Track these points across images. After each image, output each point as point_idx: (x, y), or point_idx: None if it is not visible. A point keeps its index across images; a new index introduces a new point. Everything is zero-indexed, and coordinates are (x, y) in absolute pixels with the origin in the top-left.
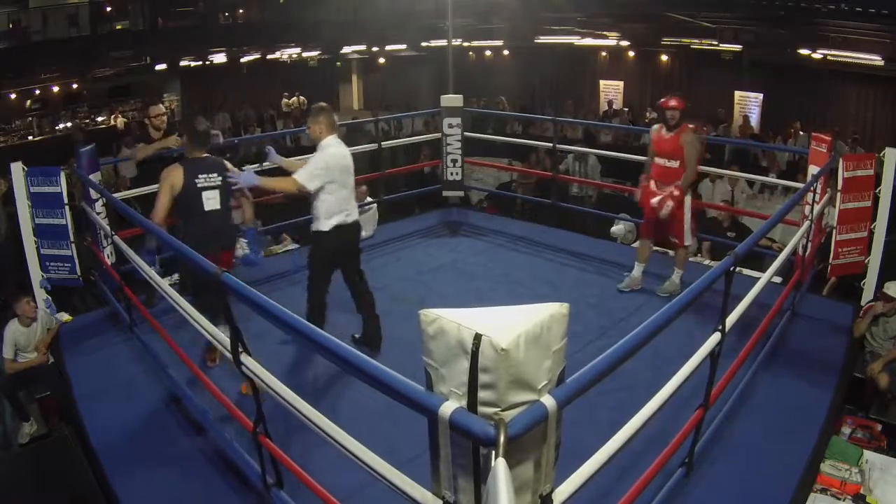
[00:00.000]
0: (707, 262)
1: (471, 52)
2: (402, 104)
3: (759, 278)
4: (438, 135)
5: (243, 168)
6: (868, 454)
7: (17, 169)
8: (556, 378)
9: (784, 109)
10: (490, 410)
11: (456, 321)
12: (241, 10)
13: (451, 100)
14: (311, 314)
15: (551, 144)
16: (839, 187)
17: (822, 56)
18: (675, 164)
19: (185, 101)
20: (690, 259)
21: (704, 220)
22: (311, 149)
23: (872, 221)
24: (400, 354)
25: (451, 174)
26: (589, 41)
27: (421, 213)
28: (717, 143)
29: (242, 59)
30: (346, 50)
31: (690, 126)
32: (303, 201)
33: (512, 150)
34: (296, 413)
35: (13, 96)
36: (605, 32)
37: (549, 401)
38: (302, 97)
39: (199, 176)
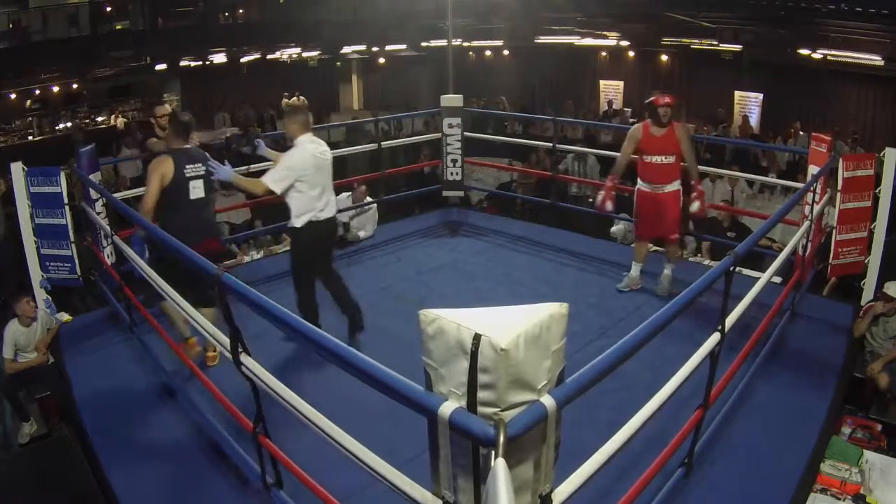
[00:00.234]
0: (707, 262)
1: (471, 52)
2: (402, 104)
3: (759, 278)
4: (438, 135)
5: (224, 162)
6: (868, 454)
7: (17, 169)
8: (556, 378)
9: (784, 109)
10: (490, 410)
11: (455, 321)
12: (241, 10)
13: (451, 100)
14: (302, 314)
15: (551, 144)
16: (839, 187)
17: (822, 56)
18: (671, 159)
19: (185, 101)
20: (690, 259)
21: (704, 220)
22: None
23: (872, 221)
24: (400, 354)
25: (451, 174)
26: (589, 41)
27: (421, 213)
28: (717, 143)
29: (242, 59)
30: (346, 50)
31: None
32: None
33: (512, 150)
34: (296, 413)
35: (13, 96)
36: (605, 32)
37: (548, 401)
38: (302, 97)
39: (187, 166)
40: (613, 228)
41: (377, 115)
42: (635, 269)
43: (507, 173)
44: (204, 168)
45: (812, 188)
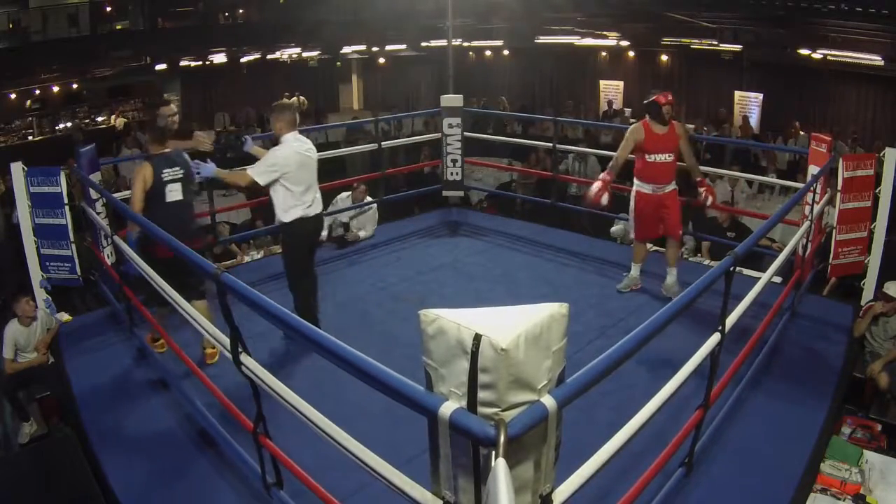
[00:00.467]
0: (707, 262)
1: (471, 52)
2: (402, 104)
3: (759, 278)
4: (438, 135)
5: (206, 160)
6: (868, 454)
7: (17, 169)
8: (556, 378)
9: (784, 109)
10: (490, 410)
11: (456, 321)
12: (241, 10)
13: (451, 100)
14: (300, 312)
15: (551, 144)
16: (839, 187)
17: (822, 56)
18: (672, 158)
19: (185, 101)
20: (690, 259)
21: (705, 220)
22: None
23: (872, 221)
24: (400, 354)
25: (451, 174)
26: (589, 41)
27: (421, 213)
28: (717, 143)
29: (242, 59)
30: (346, 50)
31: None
32: None
33: (512, 150)
34: (296, 413)
35: (13, 96)
36: (605, 32)
37: (549, 401)
38: (302, 97)
39: (165, 170)
40: (613, 228)
41: (377, 115)
42: (635, 270)
43: (507, 173)
44: (182, 171)
45: (812, 188)
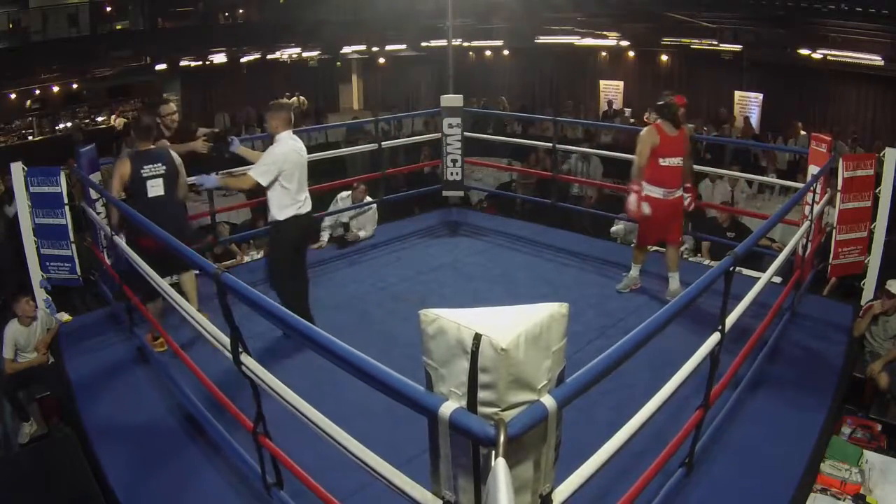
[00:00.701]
0: (707, 262)
1: (471, 52)
2: (402, 104)
3: (759, 278)
4: (438, 135)
5: (205, 173)
6: (868, 454)
7: (17, 169)
8: (556, 378)
9: (784, 109)
10: (490, 410)
11: (456, 321)
12: (241, 10)
13: (451, 100)
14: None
15: (551, 144)
16: (839, 187)
17: (822, 56)
18: (682, 161)
19: (185, 101)
20: (690, 259)
21: (705, 220)
22: (312, 149)
23: (872, 221)
24: (400, 354)
25: (451, 174)
26: (589, 41)
27: (421, 213)
28: (717, 143)
29: (242, 59)
30: (346, 50)
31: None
32: None
33: (512, 150)
34: (296, 413)
35: (13, 96)
36: (605, 32)
37: (549, 401)
38: (302, 97)
39: (145, 167)
40: (613, 228)
41: (377, 115)
42: (635, 270)
43: (507, 173)
44: (164, 168)
45: (812, 188)
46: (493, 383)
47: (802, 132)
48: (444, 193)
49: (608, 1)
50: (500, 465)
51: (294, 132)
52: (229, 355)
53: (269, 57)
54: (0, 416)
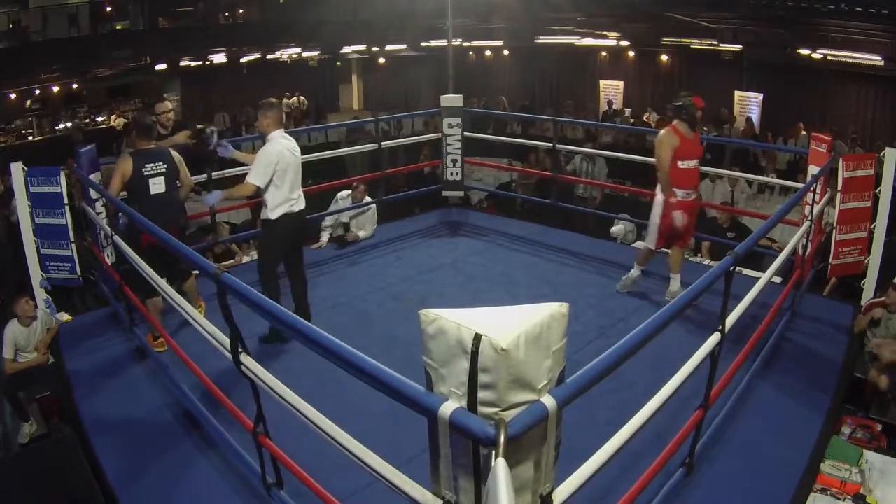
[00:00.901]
0: (707, 262)
1: (471, 52)
2: (402, 104)
3: (759, 278)
4: (438, 135)
5: (209, 190)
6: (868, 454)
7: (17, 169)
8: (556, 378)
9: (784, 109)
10: (490, 410)
11: (456, 321)
12: (241, 10)
13: (451, 100)
14: None
15: (551, 144)
16: (839, 187)
17: (822, 56)
18: (698, 163)
19: (185, 101)
20: (691, 259)
21: (705, 220)
22: (312, 148)
23: (872, 221)
24: (400, 354)
25: (451, 174)
26: (589, 41)
27: (421, 213)
28: (717, 143)
29: (242, 59)
30: (346, 50)
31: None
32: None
33: (512, 150)
34: (296, 413)
35: (13, 96)
36: (605, 32)
37: (549, 401)
38: (302, 97)
39: (147, 165)
40: (613, 228)
41: (377, 115)
42: (636, 272)
43: (507, 173)
44: (165, 166)
45: (812, 188)
46: (493, 383)
47: (803, 132)
48: (444, 193)
49: (608, 1)
50: (500, 465)
51: (295, 132)
52: (229, 355)
53: (269, 57)
54: (0, 416)
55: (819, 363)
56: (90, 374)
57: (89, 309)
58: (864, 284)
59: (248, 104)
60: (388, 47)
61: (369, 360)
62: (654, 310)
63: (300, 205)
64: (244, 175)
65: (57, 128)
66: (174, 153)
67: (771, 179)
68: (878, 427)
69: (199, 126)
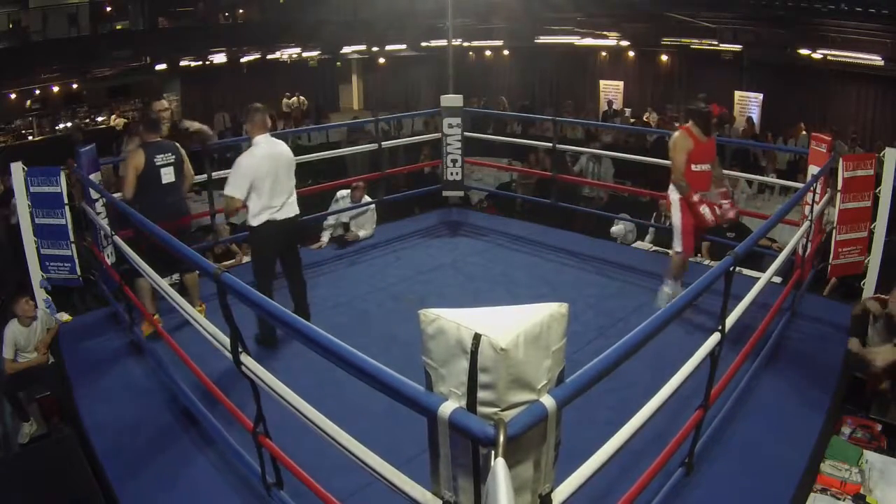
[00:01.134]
0: (707, 262)
1: (471, 52)
2: (402, 104)
3: (759, 278)
4: (438, 135)
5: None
6: (868, 454)
7: (17, 169)
8: (556, 378)
9: (784, 109)
10: (489, 410)
11: (455, 321)
12: (241, 10)
13: (451, 100)
14: (260, 321)
15: (551, 144)
16: (839, 187)
17: (822, 56)
18: (710, 166)
19: (185, 101)
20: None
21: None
22: (312, 148)
23: (872, 221)
24: (400, 354)
25: (451, 174)
26: (589, 41)
27: (421, 213)
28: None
29: (242, 59)
30: (346, 50)
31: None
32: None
33: (512, 150)
34: (296, 413)
35: (13, 96)
36: (605, 32)
37: (548, 401)
38: (302, 97)
39: (157, 156)
40: (613, 228)
41: (377, 115)
42: (676, 287)
43: (507, 173)
44: (173, 156)
45: (812, 188)
46: (493, 383)
47: (803, 132)
48: (444, 193)
49: (608, 1)
50: (499, 465)
51: (295, 132)
52: (229, 355)
53: (269, 57)
54: (0, 416)
55: (819, 363)
56: (90, 374)
57: (89, 309)
58: (864, 284)
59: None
60: (388, 47)
61: (369, 360)
62: (654, 310)
63: (286, 212)
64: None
65: (57, 128)
66: (180, 147)
67: (771, 179)
68: (878, 427)
69: (187, 128)
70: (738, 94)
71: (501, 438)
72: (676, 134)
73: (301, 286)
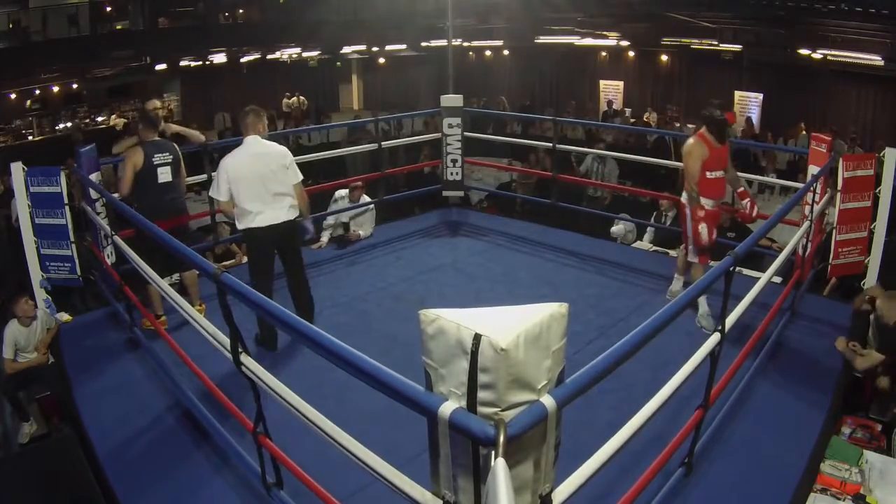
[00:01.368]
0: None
1: (471, 52)
2: (402, 104)
3: (759, 278)
4: (438, 135)
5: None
6: (868, 454)
7: (17, 169)
8: (556, 378)
9: (784, 109)
10: (490, 410)
11: (455, 321)
12: (241, 10)
13: (451, 100)
14: (259, 324)
15: (551, 144)
16: (839, 187)
17: (822, 56)
18: (724, 173)
19: (185, 101)
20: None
21: None
22: (312, 148)
23: (872, 221)
24: (400, 354)
25: (451, 174)
26: (589, 41)
27: (421, 213)
28: None
29: (242, 59)
30: (346, 50)
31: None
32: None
33: (512, 150)
34: (296, 413)
35: (13, 96)
36: (605, 32)
37: (548, 401)
38: (302, 97)
39: (156, 155)
40: (613, 228)
41: (377, 115)
42: (703, 306)
43: (507, 173)
44: (171, 156)
45: (812, 188)
46: (493, 383)
47: (803, 132)
48: (444, 193)
49: (608, 1)
50: (499, 465)
51: (295, 132)
52: (229, 356)
53: (269, 57)
54: (0, 416)
55: (819, 363)
56: (90, 374)
57: (89, 309)
58: (864, 284)
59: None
60: (388, 47)
61: (369, 360)
62: (655, 309)
63: (269, 217)
64: None
65: (57, 128)
66: (177, 148)
67: (771, 179)
68: (878, 427)
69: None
70: (738, 94)
71: (501, 438)
72: (691, 141)
73: (301, 288)
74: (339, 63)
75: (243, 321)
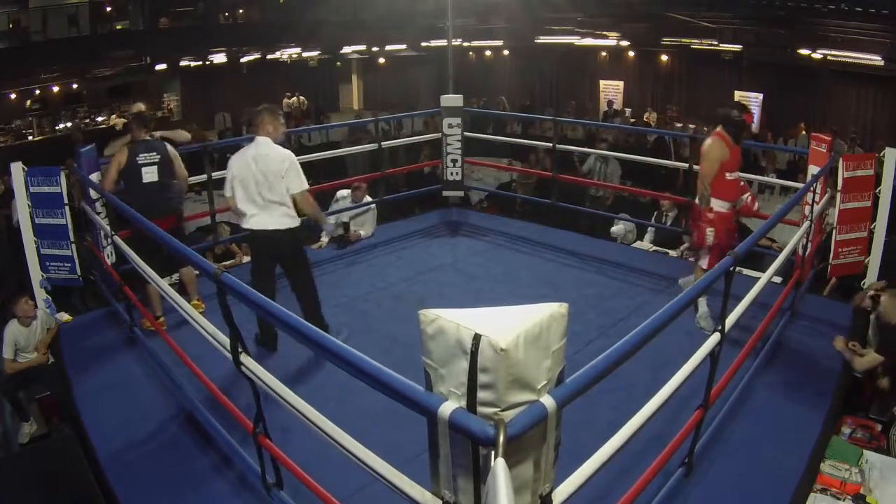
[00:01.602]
0: None
1: (471, 52)
2: (402, 104)
3: (759, 278)
4: (438, 135)
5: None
6: (868, 454)
7: (17, 169)
8: (556, 378)
9: (784, 109)
10: (489, 410)
11: (455, 321)
12: (241, 10)
13: (451, 100)
14: (259, 324)
15: (551, 144)
16: (839, 187)
17: (822, 56)
18: (737, 174)
19: (185, 101)
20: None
21: None
22: (312, 148)
23: (872, 221)
24: (400, 354)
25: (451, 174)
26: (589, 41)
27: (421, 213)
28: None
29: (242, 59)
30: (346, 50)
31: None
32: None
33: (512, 150)
34: (296, 413)
35: (13, 96)
36: (605, 32)
37: (548, 401)
38: (302, 97)
39: (141, 154)
40: (613, 228)
41: (377, 115)
42: (704, 307)
43: (507, 173)
44: (158, 156)
45: (812, 188)
46: (493, 383)
47: (803, 132)
48: (444, 193)
49: (608, 1)
50: (499, 465)
51: (295, 132)
52: (229, 356)
53: (269, 57)
54: (0, 416)
55: (819, 363)
56: (90, 374)
57: (89, 309)
58: (864, 284)
59: (248, 104)
60: (388, 47)
61: (369, 360)
62: (655, 309)
63: (261, 223)
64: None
65: (57, 128)
66: (169, 148)
67: (771, 179)
68: (878, 427)
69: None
70: (738, 94)
71: (501, 438)
72: (711, 141)
73: (304, 297)
74: (339, 63)
75: (243, 321)
